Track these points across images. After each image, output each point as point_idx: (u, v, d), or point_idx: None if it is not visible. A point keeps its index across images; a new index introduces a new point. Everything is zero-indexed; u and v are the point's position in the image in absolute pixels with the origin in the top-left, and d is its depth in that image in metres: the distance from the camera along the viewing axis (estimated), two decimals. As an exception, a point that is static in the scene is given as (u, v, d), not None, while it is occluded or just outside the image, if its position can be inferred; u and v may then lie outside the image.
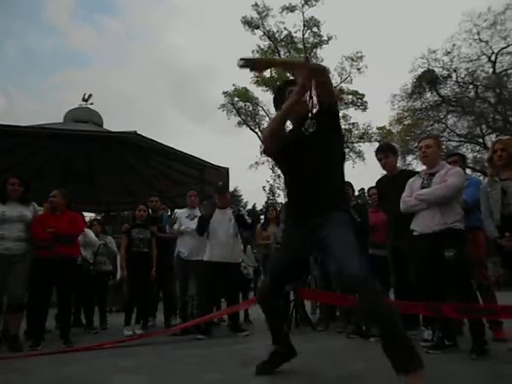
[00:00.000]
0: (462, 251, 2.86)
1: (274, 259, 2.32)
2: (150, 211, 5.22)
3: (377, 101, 47.15)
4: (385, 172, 3.91)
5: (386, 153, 3.78)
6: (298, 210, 2.21)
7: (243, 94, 24.58)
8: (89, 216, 12.73)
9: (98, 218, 11.58)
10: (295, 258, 2.20)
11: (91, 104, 13.40)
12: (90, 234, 5.17)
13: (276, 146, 2.22)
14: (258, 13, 23.90)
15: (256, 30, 24.34)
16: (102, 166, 12.11)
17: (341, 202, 2.13)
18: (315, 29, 24.10)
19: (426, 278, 3.04)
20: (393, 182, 3.67)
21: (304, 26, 23.95)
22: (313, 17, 23.82)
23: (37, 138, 10.13)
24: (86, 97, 13.46)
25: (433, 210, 2.97)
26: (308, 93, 2.06)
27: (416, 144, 20.50)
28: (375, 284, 1.82)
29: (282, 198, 24.41)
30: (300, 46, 24.31)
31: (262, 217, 6.30)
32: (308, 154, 2.13)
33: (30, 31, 62.56)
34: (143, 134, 9.91)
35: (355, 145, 24.74)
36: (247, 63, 1.88)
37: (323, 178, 2.09)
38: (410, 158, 20.83)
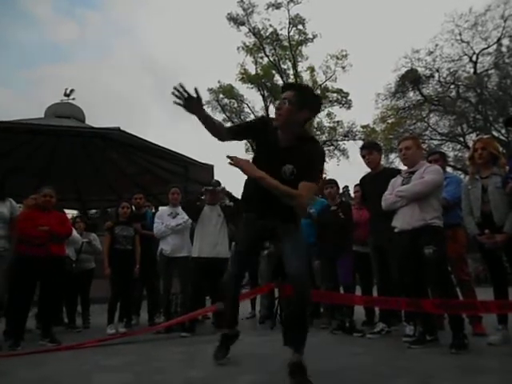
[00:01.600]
0: (440, 248, 2.92)
1: (240, 240, 2.62)
2: (134, 208, 5.17)
3: (361, 99, 47.55)
4: (369, 169, 3.96)
5: (370, 150, 3.82)
6: (260, 212, 2.40)
7: (228, 91, 24.50)
8: (71, 213, 12.52)
9: (82, 215, 11.40)
10: (256, 237, 2.48)
11: (73, 99, 13.16)
12: (73, 231, 5.08)
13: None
14: (244, 9, 23.81)
15: (241, 27, 24.27)
16: (84, 163, 11.92)
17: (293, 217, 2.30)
18: (300, 26, 24.16)
19: (406, 274, 3.09)
20: (376, 180, 3.72)
21: (289, 23, 23.98)
22: (298, 14, 23.87)
23: (17, 133, 9.88)
24: (68, 92, 13.21)
25: (412, 206, 3.04)
26: None
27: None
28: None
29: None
30: (285, 43, 24.35)
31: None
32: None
33: (9, 24, 60.97)
34: (126, 131, 9.79)
35: (339, 143, 24.94)
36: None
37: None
38: (392, 156, 21.11)
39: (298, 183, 2.08)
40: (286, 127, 2.16)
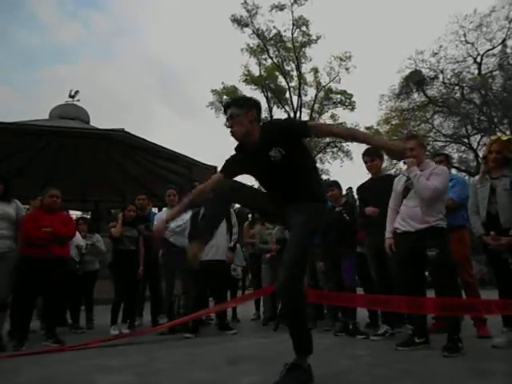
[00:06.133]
0: (444, 250, 2.90)
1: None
2: (137, 209, 5.17)
3: (365, 101, 47.41)
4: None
5: (371, 156, 3.83)
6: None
7: (232, 93, 24.55)
8: (75, 214, 12.57)
9: (85, 216, 11.45)
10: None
11: (78, 101, 13.24)
12: (76, 233, 5.09)
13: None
14: (248, 11, 23.85)
15: (245, 29, 24.32)
16: (89, 164, 11.96)
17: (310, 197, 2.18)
18: (304, 28, 24.18)
19: (407, 275, 3.08)
20: (375, 185, 3.77)
21: (293, 24, 24.00)
22: (302, 16, 23.88)
23: (22, 135, 9.95)
24: (73, 93, 13.29)
25: (415, 208, 3.01)
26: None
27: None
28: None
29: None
30: (289, 45, 24.35)
31: (250, 215, 6.31)
32: (277, 178, 2.18)
33: (14, 25, 61.28)
34: (131, 132, 9.84)
35: (343, 144, 24.92)
36: None
37: (293, 190, 2.16)
38: (396, 157, 20.95)
39: (291, 164, 2.12)
40: (247, 136, 2.22)
